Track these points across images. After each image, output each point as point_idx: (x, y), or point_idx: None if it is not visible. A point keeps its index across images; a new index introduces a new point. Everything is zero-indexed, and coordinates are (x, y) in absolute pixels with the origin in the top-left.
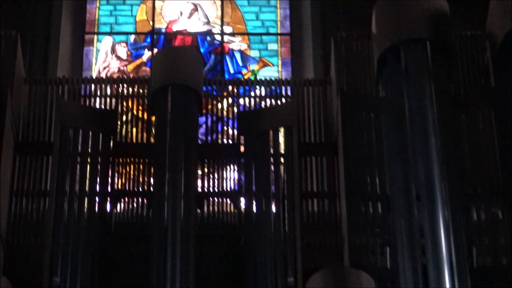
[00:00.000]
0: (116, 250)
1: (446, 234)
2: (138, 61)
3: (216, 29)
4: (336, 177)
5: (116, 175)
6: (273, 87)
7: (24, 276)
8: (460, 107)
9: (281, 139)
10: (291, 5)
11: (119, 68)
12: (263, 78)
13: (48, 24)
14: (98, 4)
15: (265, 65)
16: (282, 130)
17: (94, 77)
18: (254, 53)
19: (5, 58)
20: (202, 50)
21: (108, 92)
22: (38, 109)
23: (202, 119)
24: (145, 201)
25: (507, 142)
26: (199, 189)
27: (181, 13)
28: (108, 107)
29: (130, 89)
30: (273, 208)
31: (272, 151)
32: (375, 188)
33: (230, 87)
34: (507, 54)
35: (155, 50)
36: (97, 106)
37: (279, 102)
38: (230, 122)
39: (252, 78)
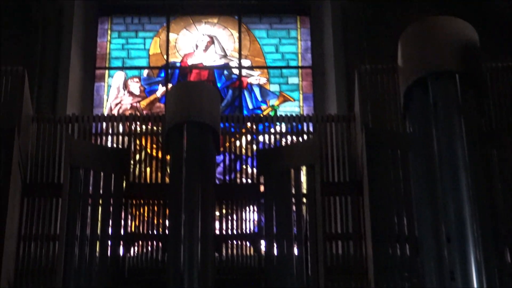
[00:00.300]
0: None
1: (479, 277)
2: (151, 97)
3: (234, 63)
4: (362, 218)
5: (129, 217)
6: (294, 123)
7: None
8: (492, 142)
9: (303, 178)
10: (313, 37)
11: (131, 104)
12: (283, 114)
13: (57, 59)
14: (109, 38)
15: (285, 100)
16: (304, 168)
17: (105, 114)
18: (274, 88)
19: (12, 96)
20: (219, 84)
21: (121, 130)
22: (47, 148)
23: (219, 158)
24: (160, 244)
25: None
26: (217, 232)
27: (197, 46)
28: (120, 146)
29: (144, 127)
30: (295, 251)
31: (293, 191)
32: (402, 229)
33: (248, 124)
34: None
35: (170, 85)
36: (109, 145)
37: (300, 139)
38: (249, 161)
39: (272, 114)
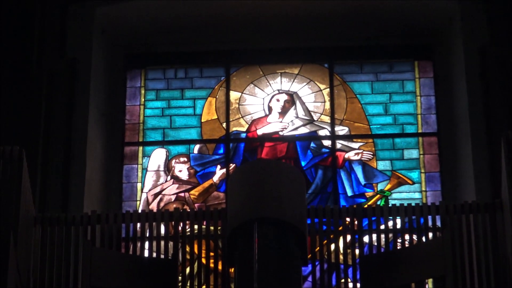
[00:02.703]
0: None
1: None
2: (206, 184)
3: (324, 131)
4: None
5: None
6: (414, 217)
7: None
8: None
9: None
10: (438, 90)
11: (178, 194)
12: (397, 203)
13: (68, 133)
14: (143, 100)
15: (400, 182)
16: (430, 282)
17: (140, 210)
18: (383, 165)
19: (4, 188)
20: (303, 163)
21: (163, 232)
22: (56, 261)
23: (307, 269)
24: None
25: None
26: None
27: (270, 109)
28: (163, 256)
29: (196, 227)
30: None
31: None
32: None
33: (348, 219)
34: None
35: (232, 166)
36: (146, 254)
37: (424, 239)
38: (350, 272)
39: (382, 203)
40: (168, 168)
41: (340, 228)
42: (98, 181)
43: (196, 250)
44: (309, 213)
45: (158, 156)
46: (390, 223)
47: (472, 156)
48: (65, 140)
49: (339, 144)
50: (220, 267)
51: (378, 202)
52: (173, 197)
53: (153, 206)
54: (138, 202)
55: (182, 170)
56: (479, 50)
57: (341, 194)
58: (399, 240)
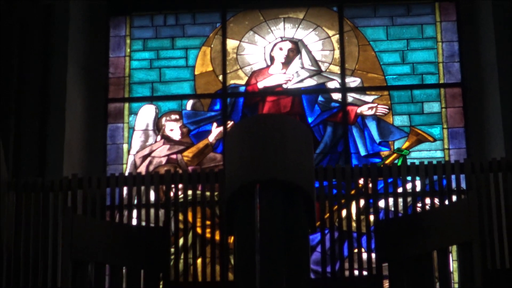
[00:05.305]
0: None
1: None
2: (201, 144)
3: (334, 83)
4: None
5: None
6: (435, 177)
7: None
8: None
9: (454, 266)
10: (462, 35)
11: (169, 156)
12: (416, 162)
13: (44, 88)
14: (128, 51)
15: (420, 140)
16: (454, 249)
17: (127, 173)
18: (400, 121)
19: None
20: (310, 119)
21: (152, 198)
22: (32, 232)
23: (315, 237)
24: None
25: None
26: None
27: (272, 59)
28: (152, 224)
29: (190, 193)
30: None
31: (438, 285)
32: None
33: (361, 181)
34: None
35: (230, 124)
36: (134, 223)
37: (447, 201)
38: (363, 240)
39: (399, 163)
40: (158, 127)
41: (353, 191)
42: (79, 142)
43: (190, 218)
44: (317, 174)
45: (146, 114)
46: (409, 185)
47: (500, 109)
48: (41, 96)
49: (350, 97)
50: (217, 237)
51: (396, 162)
52: (164, 160)
53: (142, 170)
54: (124, 166)
55: (173, 129)
56: None
57: (353, 153)
58: (419, 204)
